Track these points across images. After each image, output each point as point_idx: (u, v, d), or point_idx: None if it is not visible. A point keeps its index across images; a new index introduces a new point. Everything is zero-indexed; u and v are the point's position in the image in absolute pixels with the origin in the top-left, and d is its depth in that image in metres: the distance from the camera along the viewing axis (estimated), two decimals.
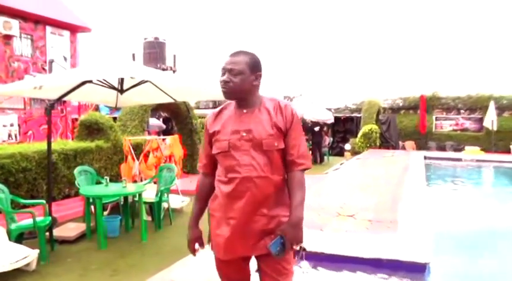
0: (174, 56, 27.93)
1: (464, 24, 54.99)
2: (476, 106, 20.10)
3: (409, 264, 3.97)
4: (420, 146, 19.80)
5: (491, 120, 18.27)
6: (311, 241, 4.31)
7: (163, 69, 27.12)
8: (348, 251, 4.15)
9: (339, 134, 21.00)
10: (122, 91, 5.72)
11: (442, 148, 19.46)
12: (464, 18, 54.81)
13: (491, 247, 5.30)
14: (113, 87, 5.68)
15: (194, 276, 3.61)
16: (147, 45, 27.06)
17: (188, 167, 10.79)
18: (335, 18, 62.34)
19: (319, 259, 4.01)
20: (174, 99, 6.23)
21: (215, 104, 30.77)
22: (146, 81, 5.39)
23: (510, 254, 5.07)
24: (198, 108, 29.82)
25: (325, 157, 16.74)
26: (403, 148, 19.58)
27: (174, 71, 27.48)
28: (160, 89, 5.82)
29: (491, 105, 18.31)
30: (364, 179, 9.66)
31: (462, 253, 5.04)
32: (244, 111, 2.01)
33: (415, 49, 51.01)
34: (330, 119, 16.88)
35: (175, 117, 10.86)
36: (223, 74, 1.99)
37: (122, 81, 5.61)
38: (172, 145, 8.56)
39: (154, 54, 26.43)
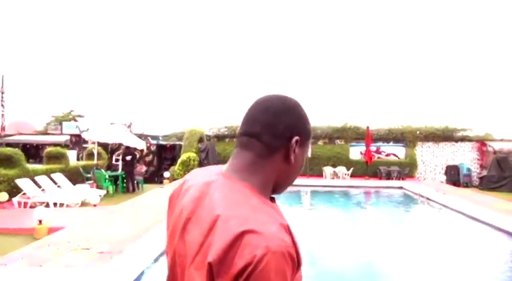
0: (3, 76, 26.13)
1: (288, 57, 60.62)
2: None
3: None
4: None
5: None
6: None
7: None
8: None
9: (166, 161, 21.52)
10: None
11: None
12: (292, 54, 60.30)
13: None
14: None
15: None
16: None
17: None
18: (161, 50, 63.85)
19: None
20: None
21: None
22: None
23: None
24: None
25: (141, 185, 17.00)
26: None
27: (2, 93, 25.66)
28: None
29: None
30: (141, 211, 9.62)
31: None
32: None
33: (240, 80, 54.90)
34: (141, 146, 17.13)
35: None
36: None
37: None
38: None
39: None
